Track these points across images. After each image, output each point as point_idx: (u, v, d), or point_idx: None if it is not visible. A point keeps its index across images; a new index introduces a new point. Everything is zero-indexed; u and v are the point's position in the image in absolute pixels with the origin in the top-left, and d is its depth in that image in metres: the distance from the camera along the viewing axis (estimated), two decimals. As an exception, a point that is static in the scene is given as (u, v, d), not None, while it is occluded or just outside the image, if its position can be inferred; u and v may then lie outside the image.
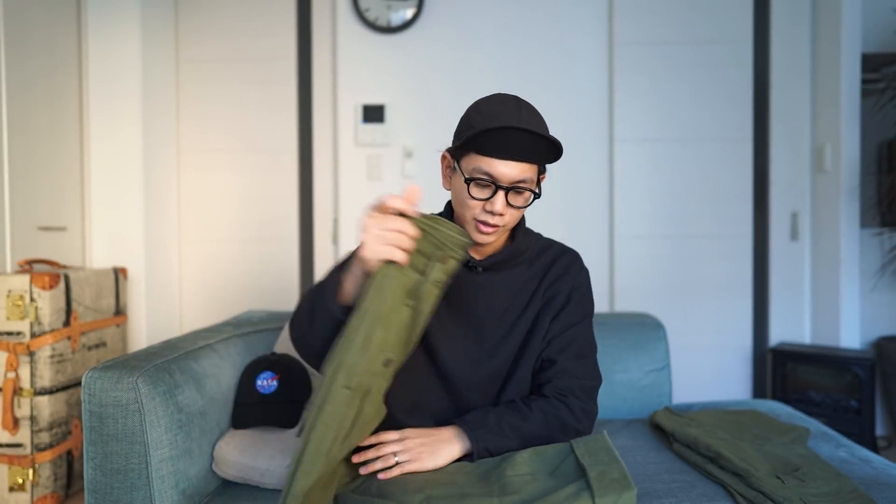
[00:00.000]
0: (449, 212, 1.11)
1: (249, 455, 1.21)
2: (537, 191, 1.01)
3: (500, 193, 0.98)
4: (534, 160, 0.98)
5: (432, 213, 0.98)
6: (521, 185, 0.98)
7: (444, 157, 1.07)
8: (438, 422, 1.08)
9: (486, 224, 1.00)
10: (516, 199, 1.00)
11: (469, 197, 1.00)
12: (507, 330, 1.10)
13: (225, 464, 1.21)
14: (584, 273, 1.15)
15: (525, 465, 0.94)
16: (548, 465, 0.94)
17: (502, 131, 0.94)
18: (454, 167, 1.03)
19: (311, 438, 0.81)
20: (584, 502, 0.81)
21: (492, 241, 1.04)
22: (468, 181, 0.99)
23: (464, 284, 1.09)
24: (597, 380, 1.12)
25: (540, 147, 0.97)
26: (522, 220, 1.13)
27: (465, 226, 1.03)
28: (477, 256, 1.10)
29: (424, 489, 0.90)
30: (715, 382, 2.59)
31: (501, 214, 0.99)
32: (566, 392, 1.07)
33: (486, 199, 0.99)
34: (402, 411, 1.07)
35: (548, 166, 1.05)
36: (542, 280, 1.12)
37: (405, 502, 0.88)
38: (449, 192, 1.10)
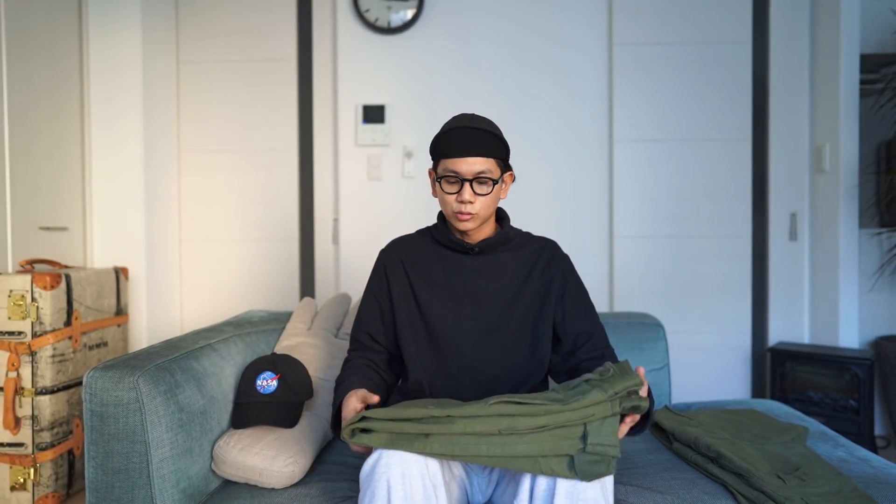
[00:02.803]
0: (441, 216, 1.31)
1: (248, 454, 1.21)
2: (496, 178, 1.22)
3: (466, 185, 1.20)
4: (485, 153, 1.20)
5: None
6: (482, 175, 1.20)
7: (430, 173, 1.29)
8: (454, 397, 1.21)
9: (461, 213, 1.21)
10: (481, 188, 1.21)
11: (444, 192, 1.23)
12: (505, 306, 1.27)
13: (224, 463, 1.22)
14: (566, 258, 1.35)
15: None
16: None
17: (452, 132, 1.21)
18: (436, 181, 1.25)
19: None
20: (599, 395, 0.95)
21: (472, 227, 1.23)
22: (439, 179, 1.23)
23: (461, 269, 1.29)
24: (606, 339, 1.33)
25: (485, 141, 1.20)
26: (506, 214, 1.34)
27: (449, 218, 1.26)
28: (471, 241, 1.29)
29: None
30: (714, 382, 2.60)
31: (471, 202, 1.20)
32: (602, 360, 1.25)
33: (457, 193, 1.21)
34: (423, 390, 1.23)
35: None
36: (534, 267, 1.31)
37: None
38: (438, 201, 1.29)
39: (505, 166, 1.25)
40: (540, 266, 1.30)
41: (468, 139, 1.20)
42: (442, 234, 1.30)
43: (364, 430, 0.98)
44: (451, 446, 0.94)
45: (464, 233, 1.27)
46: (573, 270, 1.34)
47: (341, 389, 1.19)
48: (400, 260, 1.32)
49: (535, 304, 1.27)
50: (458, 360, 1.24)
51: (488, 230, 1.30)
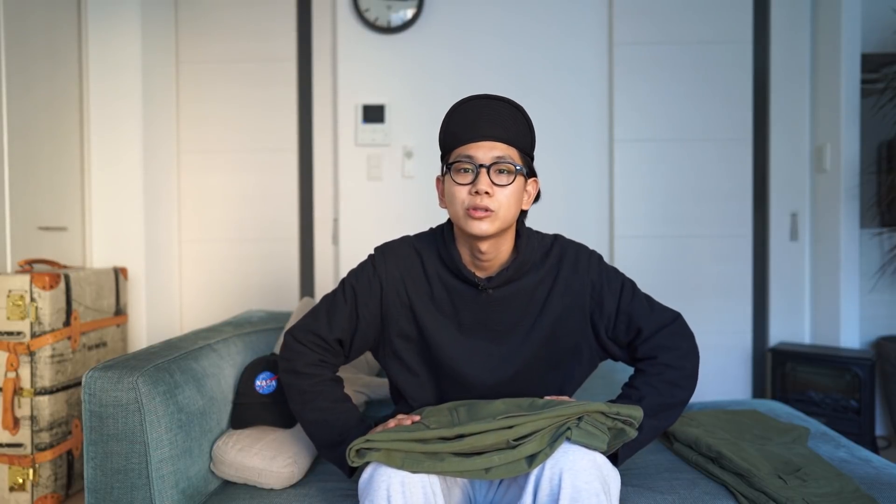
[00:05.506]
0: (449, 226, 1.14)
1: (247, 455, 1.20)
2: (520, 166, 1.04)
3: (483, 172, 1.01)
4: (506, 138, 1.03)
5: None
6: (501, 161, 1.02)
7: (438, 181, 1.13)
8: None
9: (475, 209, 1.01)
10: (500, 178, 1.02)
11: (455, 184, 1.04)
12: (524, 335, 1.13)
13: (223, 463, 1.21)
14: (593, 258, 1.17)
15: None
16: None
17: (466, 105, 1.03)
18: (445, 174, 1.08)
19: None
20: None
21: (489, 230, 1.03)
22: (451, 165, 1.04)
23: (471, 303, 1.12)
24: (671, 315, 1.16)
25: (506, 117, 1.02)
26: (523, 225, 1.14)
27: (459, 222, 1.05)
28: (482, 274, 1.12)
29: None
30: (715, 382, 2.59)
31: (489, 194, 1.01)
32: (655, 352, 1.12)
33: (471, 183, 1.02)
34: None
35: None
36: (555, 282, 1.14)
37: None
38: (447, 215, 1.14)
39: (528, 167, 1.08)
40: (560, 286, 1.13)
41: (482, 115, 1.02)
42: (451, 259, 1.11)
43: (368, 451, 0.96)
44: (463, 464, 0.93)
45: (476, 255, 1.08)
46: (602, 272, 1.16)
47: (351, 416, 1.10)
48: (402, 278, 1.14)
49: (556, 332, 1.14)
50: (469, 395, 1.14)
51: (505, 252, 1.11)
